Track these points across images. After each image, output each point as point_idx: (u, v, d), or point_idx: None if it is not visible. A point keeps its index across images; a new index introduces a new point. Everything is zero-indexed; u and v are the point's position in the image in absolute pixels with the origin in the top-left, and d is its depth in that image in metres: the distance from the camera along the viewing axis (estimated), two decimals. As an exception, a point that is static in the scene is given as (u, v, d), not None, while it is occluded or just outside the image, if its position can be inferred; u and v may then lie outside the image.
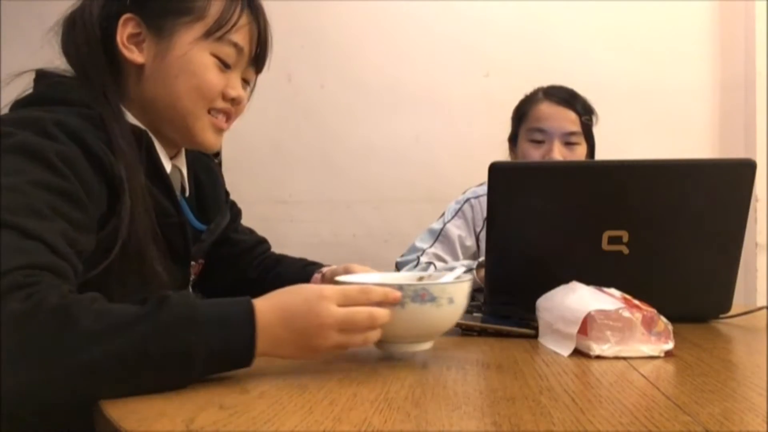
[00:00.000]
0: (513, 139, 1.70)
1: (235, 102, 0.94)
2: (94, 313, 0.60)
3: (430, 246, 1.61)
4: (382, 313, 0.70)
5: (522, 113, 1.67)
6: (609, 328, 0.80)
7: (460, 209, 1.66)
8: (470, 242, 1.63)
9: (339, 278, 0.79)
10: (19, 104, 0.85)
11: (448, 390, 0.65)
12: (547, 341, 0.88)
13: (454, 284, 0.76)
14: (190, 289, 1.02)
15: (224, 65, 0.91)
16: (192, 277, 1.01)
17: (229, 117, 0.95)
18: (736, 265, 1.06)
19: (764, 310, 1.11)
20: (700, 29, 2.22)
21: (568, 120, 1.59)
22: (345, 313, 0.68)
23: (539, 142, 1.60)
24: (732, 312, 1.08)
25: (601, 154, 1.66)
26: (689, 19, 2.21)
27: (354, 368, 0.73)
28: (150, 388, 0.61)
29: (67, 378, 0.58)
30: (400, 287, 0.72)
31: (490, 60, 2.25)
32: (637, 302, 0.85)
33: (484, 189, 1.52)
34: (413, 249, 1.63)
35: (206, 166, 1.09)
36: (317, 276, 1.09)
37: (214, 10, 0.90)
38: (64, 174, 0.72)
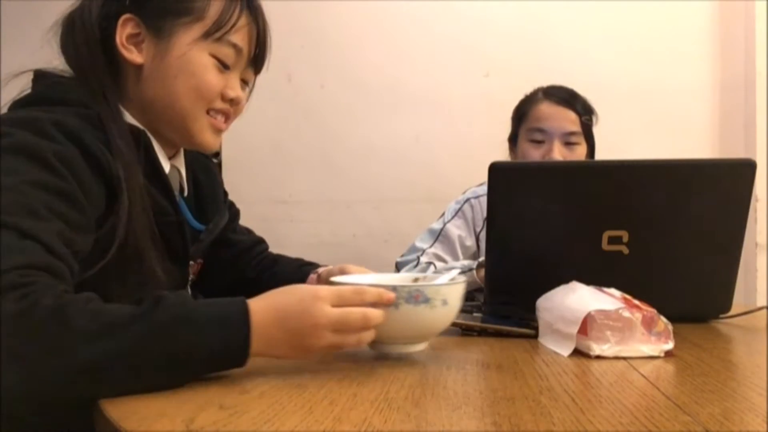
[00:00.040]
0: (513, 139, 1.70)
1: (233, 102, 0.94)
2: (90, 313, 0.60)
3: (430, 246, 1.61)
4: (375, 314, 0.70)
5: (522, 113, 1.67)
6: (609, 328, 0.80)
7: (460, 209, 1.66)
8: (470, 242, 1.63)
9: (334, 279, 0.80)
10: (17, 104, 0.85)
11: (448, 390, 0.65)
12: (547, 341, 0.88)
13: (448, 286, 0.76)
14: (189, 289, 1.02)
15: (223, 66, 0.91)
16: (191, 277, 1.01)
17: (227, 117, 0.95)
18: (736, 265, 1.06)
19: (764, 310, 1.11)
20: (700, 29, 2.22)
21: (568, 120, 1.59)
22: (339, 314, 0.68)
23: (539, 142, 1.60)
24: (732, 312, 1.08)
25: (601, 154, 1.66)
26: (689, 19, 2.21)
27: (354, 368, 0.73)
28: (145, 387, 0.62)
29: (62, 378, 0.58)
30: (394, 288, 0.72)
31: (490, 60, 2.25)
32: (637, 302, 0.85)
33: (484, 189, 1.52)
34: (413, 249, 1.63)
35: (205, 166, 1.09)
36: (313, 276, 1.09)
37: (214, 10, 0.90)
38: (62, 174, 0.72)
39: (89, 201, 0.75)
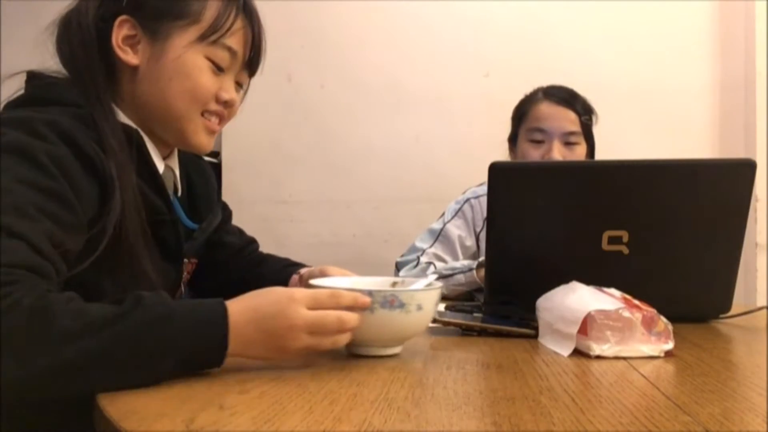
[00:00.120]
0: (513, 139, 1.70)
1: (227, 105, 0.95)
2: (71, 312, 0.61)
3: (430, 246, 1.61)
4: (351, 317, 0.72)
5: (522, 113, 1.66)
6: (609, 328, 0.80)
7: (460, 209, 1.66)
8: (470, 242, 1.63)
9: (311, 281, 0.81)
10: (10, 105, 0.85)
11: (448, 390, 0.65)
12: (547, 341, 0.88)
13: (423, 291, 0.78)
14: (183, 288, 1.03)
15: (218, 68, 0.92)
16: (185, 275, 1.02)
17: (221, 119, 0.96)
18: (736, 265, 1.06)
19: (764, 310, 1.11)
20: (700, 29, 2.22)
21: (568, 120, 1.59)
22: (314, 317, 0.70)
23: (539, 142, 1.60)
24: (732, 312, 1.08)
25: (601, 154, 1.66)
26: (689, 19, 2.21)
27: (354, 368, 0.73)
28: (123, 385, 0.62)
29: (43, 376, 0.59)
30: (369, 293, 0.74)
31: (490, 60, 2.25)
32: (637, 302, 0.85)
33: (484, 189, 1.51)
34: (413, 249, 1.63)
35: (198, 166, 1.09)
36: (295, 277, 1.11)
37: (210, 14, 0.90)
38: (53, 174, 0.72)
39: (81, 201, 0.75)
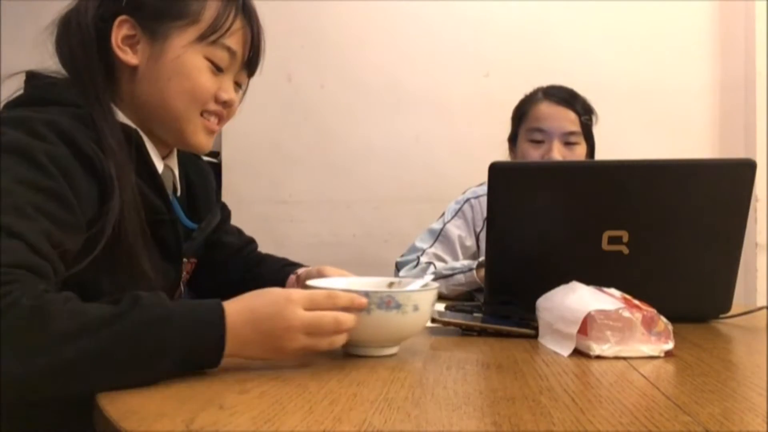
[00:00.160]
0: (513, 139, 1.70)
1: (226, 105, 0.95)
2: (68, 312, 0.61)
3: (430, 246, 1.61)
4: (347, 318, 0.72)
5: (522, 113, 1.66)
6: (609, 328, 0.80)
7: (460, 209, 1.66)
8: (470, 242, 1.63)
9: (309, 282, 0.81)
10: (10, 105, 0.85)
11: (448, 390, 0.65)
12: (547, 341, 0.88)
13: (420, 292, 0.78)
14: (182, 287, 1.03)
15: (217, 68, 0.92)
16: (184, 275, 1.02)
17: (220, 119, 0.96)
18: (736, 265, 1.06)
19: (764, 310, 1.11)
20: (700, 29, 2.22)
21: (568, 120, 1.59)
22: (311, 317, 0.70)
23: (539, 142, 1.60)
24: (732, 312, 1.08)
25: (601, 154, 1.66)
26: (689, 19, 2.21)
27: (354, 368, 0.73)
28: (120, 385, 0.63)
29: (42, 375, 0.59)
30: (366, 294, 0.74)
31: (490, 60, 2.25)
32: (637, 302, 0.85)
33: (484, 189, 1.51)
34: (413, 249, 1.63)
35: (197, 166, 1.10)
36: (292, 277, 1.11)
37: (209, 14, 0.90)
38: (51, 174, 0.72)
39: (80, 201, 0.75)
